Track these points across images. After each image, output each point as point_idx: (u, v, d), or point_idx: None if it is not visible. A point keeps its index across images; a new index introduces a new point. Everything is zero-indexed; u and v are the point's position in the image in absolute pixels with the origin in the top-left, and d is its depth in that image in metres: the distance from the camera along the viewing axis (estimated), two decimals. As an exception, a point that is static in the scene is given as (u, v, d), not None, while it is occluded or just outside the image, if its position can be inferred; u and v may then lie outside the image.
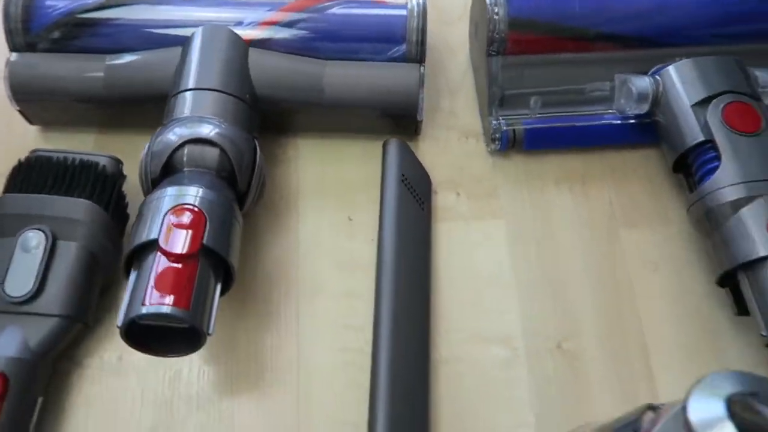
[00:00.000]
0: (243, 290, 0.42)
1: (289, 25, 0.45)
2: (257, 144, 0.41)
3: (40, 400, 0.36)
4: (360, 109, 0.45)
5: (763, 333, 0.36)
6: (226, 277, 0.36)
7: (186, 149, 0.38)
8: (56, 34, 0.44)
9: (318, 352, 0.41)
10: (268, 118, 0.45)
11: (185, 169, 0.38)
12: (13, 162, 0.41)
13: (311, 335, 0.41)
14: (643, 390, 0.40)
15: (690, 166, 0.43)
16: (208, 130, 0.38)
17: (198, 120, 0.39)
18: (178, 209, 0.35)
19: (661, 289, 0.43)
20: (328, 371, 0.40)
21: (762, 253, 0.37)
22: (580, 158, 0.48)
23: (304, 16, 0.45)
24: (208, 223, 0.35)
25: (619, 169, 0.48)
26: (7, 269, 0.37)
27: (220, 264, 0.35)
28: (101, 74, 0.43)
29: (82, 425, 0.38)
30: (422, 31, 0.45)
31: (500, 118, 0.47)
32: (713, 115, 0.41)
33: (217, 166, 0.39)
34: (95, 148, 0.47)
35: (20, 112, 0.45)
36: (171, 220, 0.34)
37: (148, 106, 0.43)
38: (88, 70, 0.44)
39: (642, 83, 0.44)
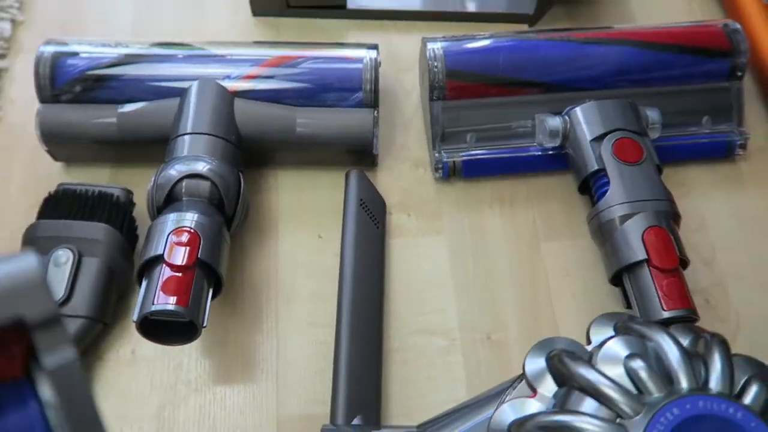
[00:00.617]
0: (232, 296, 0.52)
1: (267, 77, 0.55)
2: (242, 177, 0.51)
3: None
4: (326, 146, 0.55)
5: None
6: (217, 283, 0.46)
7: (184, 182, 0.48)
8: (77, 88, 0.54)
9: (293, 346, 0.50)
10: (251, 154, 0.55)
11: (183, 198, 0.48)
12: (42, 193, 0.51)
13: (287, 332, 0.51)
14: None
15: (590, 189, 0.53)
16: (201, 167, 0.48)
17: (194, 158, 0.49)
18: (178, 231, 0.44)
19: (571, 289, 0.53)
20: (301, 361, 0.50)
21: (639, 258, 0.47)
22: (509, 184, 0.58)
23: (279, 70, 0.56)
24: (202, 241, 0.44)
25: (541, 192, 0.58)
26: (43, 280, 0.46)
27: (212, 273, 0.45)
28: (114, 120, 0.53)
29: (104, 406, 0.47)
30: (375, 81, 0.55)
31: (442, 151, 0.57)
32: (605, 149, 0.51)
33: (209, 196, 0.48)
34: (110, 180, 0.56)
35: (48, 151, 0.55)
36: (173, 239, 0.44)
37: (153, 146, 0.53)
38: (103, 117, 0.53)
39: (554, 122, 0.55)
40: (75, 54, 0.54)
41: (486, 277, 0.54)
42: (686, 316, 0.45)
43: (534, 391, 0.30)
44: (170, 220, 0.45)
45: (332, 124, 0.55)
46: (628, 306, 0.49)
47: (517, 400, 0.30)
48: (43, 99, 0.54)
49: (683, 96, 0.58)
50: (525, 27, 0.67)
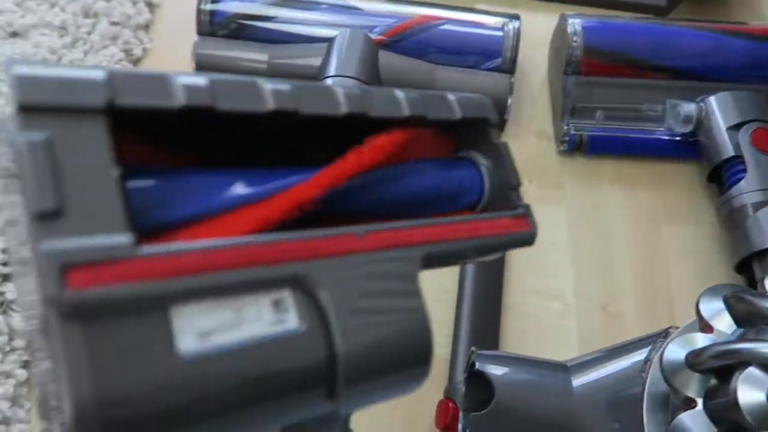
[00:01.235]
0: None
1: (410, 34, 0.57)
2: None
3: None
4: (460, 105, 0.57)
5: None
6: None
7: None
8: (233, 24, 0.57)
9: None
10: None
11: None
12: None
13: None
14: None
15: (721, 177, 0.53)
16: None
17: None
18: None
19: (690, 273, 0.54)
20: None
21: (773, 244, 0.47)
22: (630, 165, 0.59)
23: (422, 28, 0.58)
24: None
25: (663, 177, 0.58)
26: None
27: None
28: (265, 57, 0.56)
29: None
30: (515, 49, 0.57)
31: (570, 124, 0.58)
32: (743, 137, 0.52)
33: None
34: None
35: (197, 81, 0.58)
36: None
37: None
38: (255, 53, 0.56)
39: (689, 108, 0.55)
40: (235, -8, 0.57)
41: (604, 250, 0.55)
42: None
43: (710, 329, 0.31)
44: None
45: (470, 84, 0.57)
46: (753, 292, 0.49)
47: (687, 336, 0.31)
48: (201, 32, 0.57)
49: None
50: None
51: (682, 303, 0.52)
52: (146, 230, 0.18)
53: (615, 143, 0.58)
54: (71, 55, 0.58)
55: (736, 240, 0.50)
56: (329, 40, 0.56)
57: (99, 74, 0.17)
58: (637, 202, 0.57)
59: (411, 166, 0.24)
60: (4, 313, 0.47)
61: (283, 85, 0.20)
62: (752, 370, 0.27)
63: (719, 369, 0.28)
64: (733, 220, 0.51)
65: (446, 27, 0.58)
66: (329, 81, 0.53)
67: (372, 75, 0.55)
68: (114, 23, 0.61)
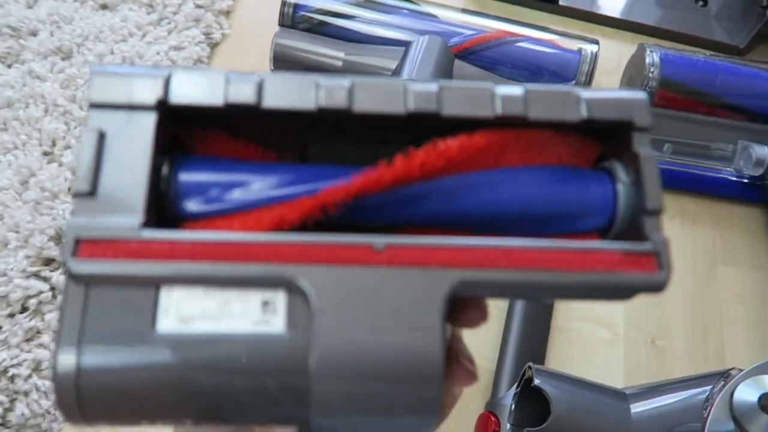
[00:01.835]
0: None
1: (486, 48, 0.58)
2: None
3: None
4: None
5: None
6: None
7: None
8: (315, 18, 0.58)
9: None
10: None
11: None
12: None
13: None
14: (715, 389, 0.50)
15: (789, 223, 0.52)
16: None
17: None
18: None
19: (743, 316, 0.53)
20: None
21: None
22: (694, 202, 0.58)
23: (498, 43, 0.58)
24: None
25: (725, 217, 0.58)
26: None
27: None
28: (342, 54, 0.57)
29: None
30: (591, 74, 0.57)
31: (636, 154, 0.58)
32: (818, 186, 0.51)
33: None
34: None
35: (273, 70, 0.59)
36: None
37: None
38: (333, 49, 0.57)
39: (762, 151, 0.54)
40: (320, -12, 0.59)
41: (657, 284, 0.54)
42: None
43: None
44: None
45: (540, 103, 0.57)
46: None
47: (758, 378, 0.31)
48: (282, 23, 0.58)
49: None
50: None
51: (733, 345, 0.52)
52: (186, 215, 0.19)
53: (680, 178, 0.58)
54: (155, 32, 0.60)
55: (798, 290, 0.49)
56: (406, 45, 0.57)
57: (159, 75, 0.19)
58: (696, 239, 0.57)
59: (502, 175, 0.20)
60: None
61: (341, 81, 0.19)
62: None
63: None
64: (797, 270, 0.50)
65: (523, 44, 0.58)
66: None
67: (445, 83, 0.55)
68: (198, 6, 0.62)
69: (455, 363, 0.22)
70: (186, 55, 0.59)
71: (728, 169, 0.57)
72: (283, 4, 0.58)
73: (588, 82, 0.57)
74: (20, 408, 0.43)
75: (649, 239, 0.19)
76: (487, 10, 0.68)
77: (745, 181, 0.57)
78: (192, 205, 0.19)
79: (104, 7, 0.61)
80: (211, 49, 0.62)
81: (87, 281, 0.18)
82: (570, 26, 0.68)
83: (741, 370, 0.36)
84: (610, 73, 0.65)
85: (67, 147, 0.53)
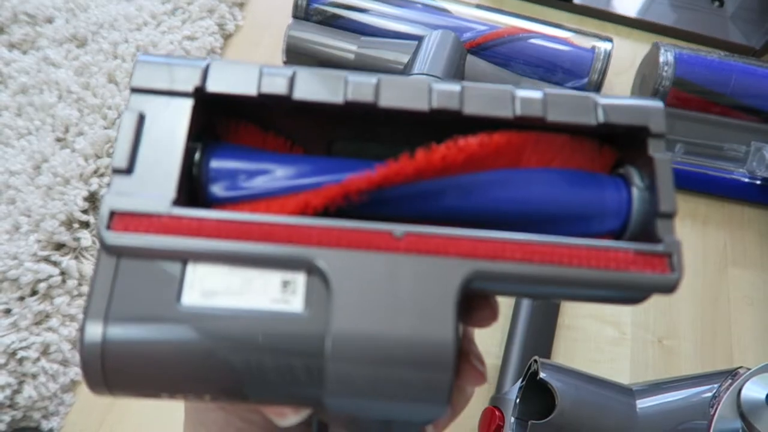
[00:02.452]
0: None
1: (500, 43, 0.58)
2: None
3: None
4: (539, 120, 0.57)
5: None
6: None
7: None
8: (329, 11, 0.58)
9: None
10: (465, 110, 0.57)
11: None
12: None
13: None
14: (722, 391, 0.49)
15: (802, 226, 0.52)
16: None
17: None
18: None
19: (752, 318, 0.52)
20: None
21: None
22: (706, 203, 0.58)
23: (512, 39, 0.58)
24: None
25: (737, 219, 0.57)
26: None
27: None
28: (354, 47, 0.57)
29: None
30: (603, 72, 0.57)
31: (648, 154, 0.57)
32: (831, 189, 0.50)
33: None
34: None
35: (285, 62, 0.59)
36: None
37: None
38: (345, 42, 0.57)
39: (775, 152, 0.54)
40: (333, -19, 0.59)
41: (666, 284, 0.54)
42: None
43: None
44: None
45: (552, 100, 0.56)
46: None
47: (766, 376, 0.30)
48: (296, 14, 0.59)
49: None
50: (745, 60, 0.66)
51: (741, 347, 0.51)
52: (216, 200, 0.20)
53: (692, 179, 0.57)
54: (170, 22, 0.60)
55: (810, 293, 0.49)
56: (419, 39, 0.57)
57: (199, 65, 0.20)
58: (706, 240, 0.56)
59: (520, 175, 0.21)
60: (77, 258, 0.49)
61: (369, 78, 0.20)
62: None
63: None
64: (808, 272, 0.49)
65: (536, 41, 0.58)
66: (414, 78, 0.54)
67: (457, 77, 0.55)
68: (213, -3, 0.63)
69: (466, 363, 0.22)
70: (199, 45, 0.60)
71: (740, 170, 0.57)
72: (297, -4, 0.58)
73: (601, 80, 0.57)
74: (28, 390, 0.43)
75: (662, 241, 0.19)
76: (502, 7, 0.68)
77: (758, 182, 0.56)
78: (221, 190, 0.20)
79: (120, -4, 0.62)
80: (225, 39, 0.63)
81: (119, 253, 0.18)
82: (585, 24, 0.68)
83: (749, 369, 0.36)
84: (623, 71, 0.65)
85: (80, 133, 0.54)
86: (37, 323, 0.46)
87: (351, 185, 0.19)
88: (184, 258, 0.19)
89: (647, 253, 0.19)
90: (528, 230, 0.20)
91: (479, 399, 0.47)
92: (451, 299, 0.18)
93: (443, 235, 0.19)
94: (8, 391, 0.43)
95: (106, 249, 0.18)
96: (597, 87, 0.57)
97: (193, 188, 0.20)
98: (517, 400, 0.38)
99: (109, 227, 0.18)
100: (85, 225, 0.50)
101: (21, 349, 0.44)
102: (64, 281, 0.48)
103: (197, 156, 0.20)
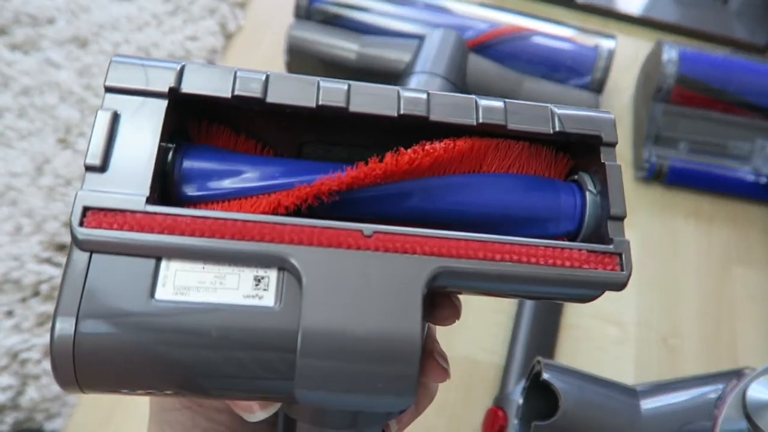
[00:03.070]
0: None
1: (501, 42, 0.57)
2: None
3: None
4: (542, 118, 0.57)
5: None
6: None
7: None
8: (331, 10, 0.58)
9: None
10: (467, 109, 0.57)
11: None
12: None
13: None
14: (728, 390, 0.49)
15: (807, 224, 0.52)
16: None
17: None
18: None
19: (757, 317, 0.52)
20: (480, 309, 0.51)
21: None
22: (710, 201, 0.58)
23: (514, 37, 0.58)
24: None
25: (742, 217, 0.57)
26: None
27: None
28: (356, 46, 0.57)
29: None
30: (606, 69, 0.56)
31: (652, 152, 0.57)
32: (837, 187, 0.50)
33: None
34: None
35: (286, 63, 0.59)
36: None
37: (382, 80, 0.56)
38: (347, 41, 0.57)
39: (780, 150, 0.54)
40: (335, -20, 0.59)
41: (670, 283, 0.53)
42: None
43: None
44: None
45: (555, 98, 0.56)
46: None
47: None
48: (297, 14, 0.58)
49: None
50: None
51: (746, 346, 0.51)
52: (188, 199, 0.21)
53: (696, 177, 0.57)
54: (171, 22, 0.60)
55: (815, 291, 0.49)
56: (420, 38, 0.57)
57: (173, 67, 0.20)
58: (711, 238, 0.56)
59: (482, 179, 0.22)
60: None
61: (337, 84, 0.20)
62: None
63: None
64: (814, 271, 0.49)
65: (539, 39, 0.58)
66: (416, 77, 0.53)
67: (459, 76, 0.55)
68: (214, -3, 0.63)
69: (430, 359, 0.22)
70: (201, 46, 0.59)
71: (745, 168, 0.57)
72: (298, -4, 0.58)
73: (604, 78, 0.56)
74: (31, 392, 0.43)
75: (612, 242, 0.20)
76: (504, 5, 0.68)
77: (763, 180, 0.56)
78: (193, 190, 0.21)
79: (121, -4, 0.62)
80: (226, 39, 0.63)
81: (92, 249, 0.18)
82: (588, 22, 0.68)
83: (755, 370, 0.35)
84: (625, 68, 0.64)
85: (81, 134, 0.54)
86: (39, 324, 0.46)
87: (322, 186, 0.20)
88: (158, 255, 0.19)
89: (599, 253, 0.20)
90: (489, 231, 0.20)
91: (483, 399, 0.47)
92: (418, 295, 0.19)
93: (410, 234, 0.19)
94: (11, 393, 0.43)
95: (78, 244, 0.18)
96: (600, 85, 0.57)
97: (166, 187, 0.20)
98: (521, 401, 0.38)
99: (82, 224, 0.18)
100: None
101: (23, 350, 0.44)
102: (66, 282, 0.47)
103: (170, 156, 0.20)
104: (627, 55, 0.65)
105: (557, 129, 0.21)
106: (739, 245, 0.56)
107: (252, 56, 0.63)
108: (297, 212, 0.20)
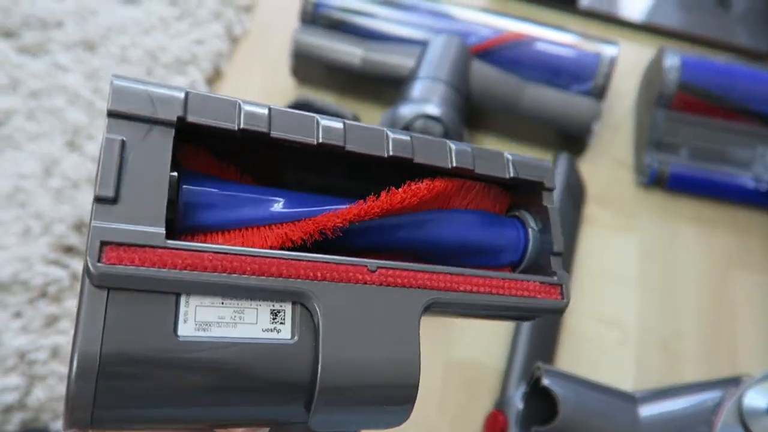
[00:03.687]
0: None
1: (504, 48, 0.58)
2: (465, 130, 0.54)
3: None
4: (546, 123, 0.57)
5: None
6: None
7: (421, 121, 0.51)
8: (335, 15, 0.58)
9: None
10: (469, 113, 0.57)
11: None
12: (273, 99, 0.56)
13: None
14: (726, 395, 0.49)
15: (807, 231, 0.52)
16: (442, 111, 0.51)
17: (436, 102, 0.52)
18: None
19: (758, 323, 0.53)
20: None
21: None
22: (712, 207, 0.58)
23: (517, 43, 0.58)
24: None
25: (743, 224, 0.57)
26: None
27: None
28: (360, 51, 0.57)
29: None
30: (608, 76, 0.57)
31: (653, 157, 0.57)
32: (837, 194, 0.50)
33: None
34: (337, 105, 0.61)
35: (292, 66, 0.60)
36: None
37: (385, 84, 0.57)
38: (352, 45, 0.58)
39: (781, 157, 0.54)
40: (340, -15, 0.59)
41: (671, 287, 0.54)
42: None
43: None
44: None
45: (557, 104, 0.57)
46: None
47: (765, 384, 0.31)
48: (303, 19, 0.59)
49: None
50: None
51: (746, 351, 0.51)
52: (188, 228, 0.21)
53: (697, 182, 0.57)
54: (177, 26, 0.61)
55: (814, 298, 0.49)
56: (423, 44, 0.57)
57: (178, 94, 0.20)
58: (712, 244, 0.56)
59: (452, 215, 0.25)
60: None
61: (336, 123, 0.22)
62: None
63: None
64: (813, 278, 0.49)
65: (541, 45, 0.58)
66: (420, 82, 0.54)
67: (462, 82, 0.55)
68: (220, 1, 0.63)
69: None
70: (207, 49, 0.60)
71: (746, 174, 0.57)
72: (304, 2, 0.58)
73: (606, 84, 0.57)
74: (37, 392, 0.44)
75: (556, 274, 0.24)
76: (507, 11, 0.68)
77: (764, 187, 0.56)
78: (197, 219, 0.21)
79: (130, 1, 0.62)
80: (232, 43, 0.63)
81: (110, 285, 0.18)
82: (590, 28, 0.68)
83: (753, 377, 0.36)
84: (628, 74, 0.65)
85: (89, 137, 0.54)
86: (47, 326, 0.47)
87: (328, 222, 0.21)
88: (178, 290, 0.19)
89: (547, 284, 0.24)
90: (455, 259, 0.24)
91: (484, 403, 0.48)
92: (415, 323, 0.21)
93: (406, 269, 0.22)
94: (18, 393, 0.44)
95: (96, 281, 0.17)
96: (602, 91, 0.57)
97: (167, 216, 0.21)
98: (521, 406, 0.38)
99: (100, 259, 0.17)
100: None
101: (31, 351, 0.45)
102: (73, 284, 0.48)
103: (173, 183, 0.20)
104: (629, 61, 0.65)
105: (512, 175, 0.24)
106: (742, 251, 0.56)
107: (258, 60, 0.63)
108: (303, 244, 0.21)
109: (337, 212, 0.21)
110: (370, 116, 0.57)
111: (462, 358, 0.50)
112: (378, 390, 0.20)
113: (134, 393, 0.18)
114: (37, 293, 0.47)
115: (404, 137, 0.23)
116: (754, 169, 0.56)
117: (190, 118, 0.20)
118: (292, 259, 0.20)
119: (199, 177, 0.21)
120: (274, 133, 0.21)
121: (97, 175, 0.19)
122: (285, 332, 0.20)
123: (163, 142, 0.19)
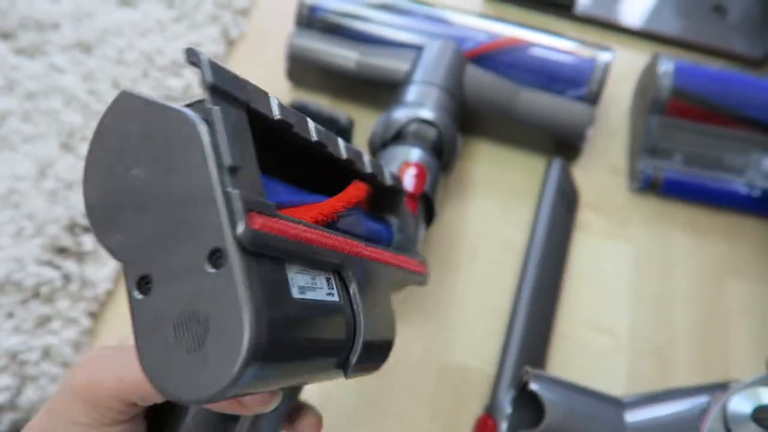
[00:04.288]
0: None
1: (499, 53, 0.58)
2: (459, 134, 0.54)
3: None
4: (540, 128, 0.57)
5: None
6: (429, 218, 0.49)
7: (415, 125, 0.51)
8: (331, 19, 0.59)
9: (470, 304, 0.53)
10: (464, 118, 0.58)
11: (410, 139, 0.51)
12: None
13: (467, 292, 0.53)
14: (718, 402, 0.49)
15: (800, 238, 0.52)
16: (435, 115, 0.51)
17: (430, 106, 0.52)
18: (407, 164, 0.48)
19: (750, 330, 0.52)
20: (474, 319, 0.52)
21: None
22: (705, 213, 0.58)
23: (512, 49, 0.58)
24: (428, 176, 0.47)
25: (736, 230, 0.57)
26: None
27: (429, 207, 0.48)
28: (356, 55, 0.58)
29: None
30: (603, 82, 0.57)
31: (647, 163, 0.57)
32: (830, 201, 0.50)
33: (432, 142, 0.51)
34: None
35: (287, 70, 0.60)
36: (406, 170, 0.47)
37: (380, 88, 0.57)
38: (347, 51, 0.58)
39: (774, 164, 0.54)
40: (336, -11, 0.59)
41: (664, 293, 0.54)
42: None
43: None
44: (400, 153, 0.49)
45: (552, 109, 0.57)
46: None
47: (754, 390, 0.31)
48: (298, 22, 0.59)
49: None
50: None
51: (738, 358, 0.51)
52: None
53: (690, 189, 0.57)
54: (174, 28, 0.61)
55: (806, 305, 0.49)
56: (419, 48, 0.57)
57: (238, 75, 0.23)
58: (706, 250, 0.56)
59: (363, 211, 0.32)
60: (79, 262, 0.50)
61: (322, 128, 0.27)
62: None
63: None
64: (805, 285, 0.49)
65: (536, 50, 0.58)
66: (414, 86, 0.54)
67: (457, 87, 0.55)
68: (217, 4, 0.63)
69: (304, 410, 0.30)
70: (204, 52, 0.60)
71: (740, 181, 0.57)
72: (300, 5, 0.59)
73: (600, 90, 0.57)
74: (29, 393, 0.44)
75: (419, 256, 0.37)
76: (503, 16, 0.69)
77: (757, 193, 0.56)
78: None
79: (126, 3, 0.63)
80: (228, 46, 0.63)
81: (255, 253, 0.19)
82: (586, 34, 0.68)
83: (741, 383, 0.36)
84: (622, 80, 0.65)
85: (84, 139, 0.54)
86: (39, 326, 0.47)
87: (346, 199, 0.28)
88: (286, 256, 0.21)
89: (420, 261, 0.36)
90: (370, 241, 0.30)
91: (474, 407, 0.48)
92: (388, 289, 0.30)
93: (375, 247, 0.29)
94: (9, 394, 0.44)
95: (250, 245, 0.18)
96: (596, 96, 0.57)
97: None
98: (509, 410, 0.38)
99: (249, 224, 0.18)
100: (87, 229, 0.51)
101: (22, 352, 0.45)
102: (65, 285, 0.48)
103: None
104: (624, 66, 0.65)
105: (391, 183, 0.34)
106: (735, 258, 0.56)
107: (254, 63, 0.63)
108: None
109: (339, 197, 0.27)
110: (365, 120, 0.57)
111: (453, 362, 0.50)
112: (383, 345, 0.27)
113: (283, 351, 0.19)
114: (30, 294, 0.47)
115: (348, 145, 0.29)
116: (747, 175, 0.56)
117: (252, 105, 0.22)
118: (339, 236, 0.24)
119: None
120: (298, 129, 0.25)
121: (209, 146, 0.19)
122: (336, 296, 0.24)
123: (245, 122, 0.21)
